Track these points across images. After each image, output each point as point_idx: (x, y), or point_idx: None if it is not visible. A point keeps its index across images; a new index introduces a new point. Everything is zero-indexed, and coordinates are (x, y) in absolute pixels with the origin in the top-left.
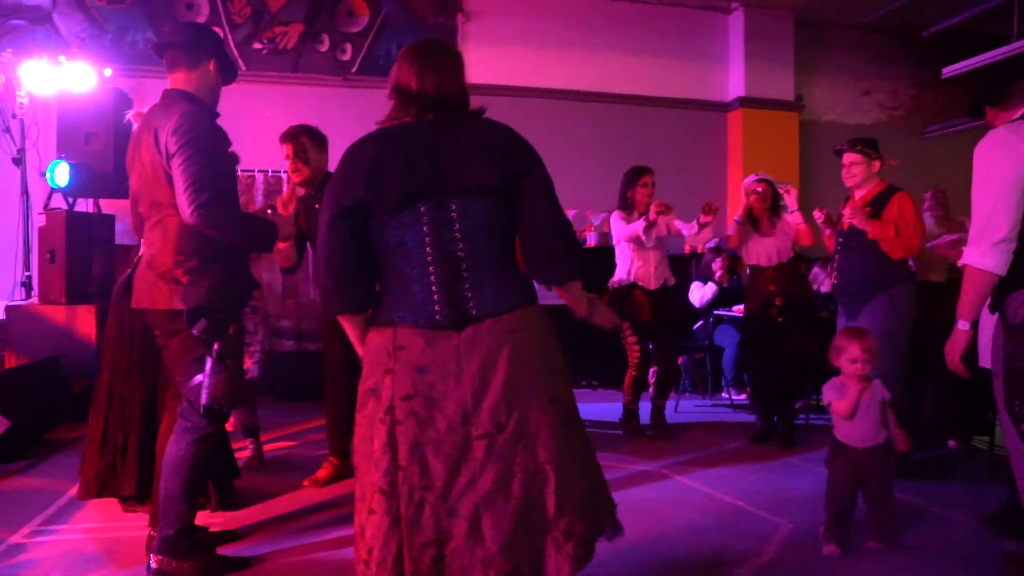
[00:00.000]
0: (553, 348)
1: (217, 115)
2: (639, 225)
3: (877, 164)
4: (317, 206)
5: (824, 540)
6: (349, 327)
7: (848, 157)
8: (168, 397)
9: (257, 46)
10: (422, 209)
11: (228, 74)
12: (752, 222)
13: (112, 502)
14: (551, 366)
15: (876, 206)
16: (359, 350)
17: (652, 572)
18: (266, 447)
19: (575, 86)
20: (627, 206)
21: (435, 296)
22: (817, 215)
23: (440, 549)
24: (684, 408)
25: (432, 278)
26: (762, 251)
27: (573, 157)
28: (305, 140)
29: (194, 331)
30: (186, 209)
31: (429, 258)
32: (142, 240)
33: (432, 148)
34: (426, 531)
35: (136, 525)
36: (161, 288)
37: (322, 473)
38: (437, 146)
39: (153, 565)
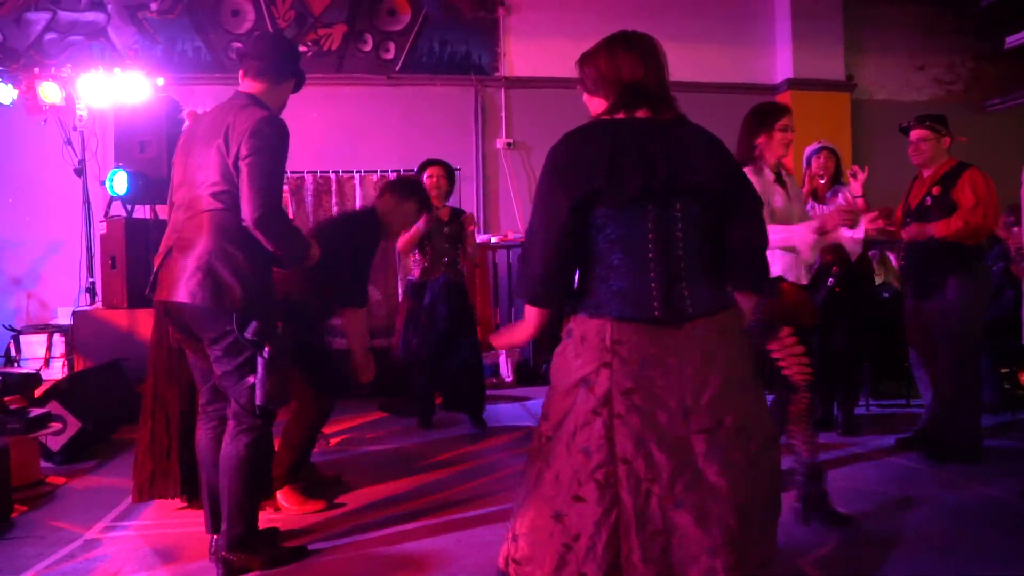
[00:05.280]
0: (750, 348)
1: None
2: (802, 233)
3: (947, 141)
4: None
5: None
6: (536, 318)
7: (916, 133)
8: (200, 403)
9: (302, 49)
10: (649, 206)
11: (297, 88)
12: (812, 191)
13: (178, 500)
14: (753, 365)
15: (945, 184)
16: (525, 334)
17: None
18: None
19: None
20: (753, 160)
21: (654, 292)
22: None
23: (668, 538)
24: None
25: (652, 274)
26: None
27: None
28: None
29: (246, 335)
30: (249, 211)
31: (650, 254)
32: (169, 230)
33: (664, 146)
34: (655, 521)
35: (201, 521)
36: (198, 280)
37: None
38: (668, 144)
39: (223, 555)
